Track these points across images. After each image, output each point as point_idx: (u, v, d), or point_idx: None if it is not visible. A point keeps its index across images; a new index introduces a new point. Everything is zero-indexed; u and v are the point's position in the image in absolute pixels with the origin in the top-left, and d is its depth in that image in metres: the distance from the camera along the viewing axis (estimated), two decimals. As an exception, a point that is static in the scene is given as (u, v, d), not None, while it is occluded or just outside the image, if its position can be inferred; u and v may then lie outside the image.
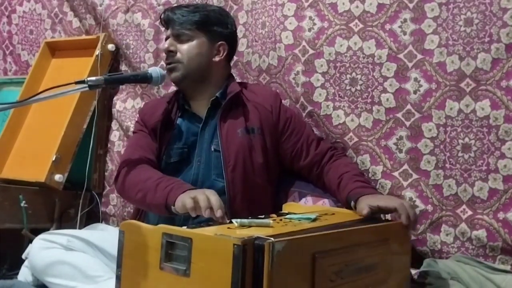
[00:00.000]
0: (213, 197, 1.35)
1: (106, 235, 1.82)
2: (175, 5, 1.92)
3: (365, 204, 1.45)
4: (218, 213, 1.31)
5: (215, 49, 1.73)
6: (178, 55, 1.70)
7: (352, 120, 1.82)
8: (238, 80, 1.97)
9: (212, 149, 1.69)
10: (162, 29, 2.24)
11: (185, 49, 1.70)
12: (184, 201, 1.39)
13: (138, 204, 1.67)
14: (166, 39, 1.75)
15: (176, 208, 1.43)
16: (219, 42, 1.73)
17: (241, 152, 1.66)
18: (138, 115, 1.87)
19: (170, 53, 1.71)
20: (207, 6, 1.79)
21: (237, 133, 1.68)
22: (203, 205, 1.34)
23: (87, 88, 1.54)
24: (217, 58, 1.73)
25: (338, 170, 1.68)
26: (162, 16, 1.78)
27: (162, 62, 2.23)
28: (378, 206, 1.42)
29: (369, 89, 1.79)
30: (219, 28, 1.73)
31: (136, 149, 1.73)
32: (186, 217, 1.47)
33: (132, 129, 2.25)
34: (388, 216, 1.50)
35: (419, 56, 1.72)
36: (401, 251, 1.44)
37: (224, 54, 1.74)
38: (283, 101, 1.86)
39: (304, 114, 1.89)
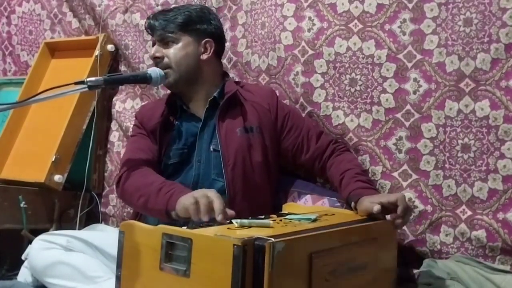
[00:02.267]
0: (216, 201, 1.33)
1: (105, 236, 1.82)
2: (159, 10, 1.92)
3: (368, 202, 1.45)
4: (219, 218, 1.30)
5: (202, 47, 1.73)
6: (166, 60, 1.70)
7: (352, 120, 1.82)
8: (237, 80, 1.98)
9: (212, 149, 1.69)
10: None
11: (171, 52, 1.70)
12: (185, 204, 1.38)
13: (139, 209, 1.66)
14: (153, 45, 1.75)
15: (177, 212, 1.42)
16: (205, 40, 1.73)
17: (240, 151, 1.66)
18: (135, 119, 1.86)
19: (157, 59, 1.71)
20: (188, 6, 1.79)
21: (236, 132, 1.68)
22: (204, 209, 1.32)
23: (86, 89, 1.54)
24: (205, 56, 1.73)
25: (340, 167, 1.68)
26: (145, 25, 1.78)
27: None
28: (381, 202, 1.41)
29: (369, 90, 1.79)
30: (202, 26, 1.73)
31: (136, 152, 1.72)
32: (187, 221, 1.47)
33: (131, 130, 2.25)
34: (389, 217, 1.50)
35: (419, 56, 1.72)
36: (389, 249, 1.45)
37: (212, 50, 1.73)
38: (282, 100, 1.86)
39: (304, 114, 1.89)
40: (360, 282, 1.29)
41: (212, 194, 1.36)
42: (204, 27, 1.73)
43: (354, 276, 1.27)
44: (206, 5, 2.07)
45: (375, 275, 1.35)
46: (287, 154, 1.77)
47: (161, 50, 1.71)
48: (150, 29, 1.75)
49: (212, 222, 1.31)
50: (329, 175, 1.72)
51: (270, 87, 1.91)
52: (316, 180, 1.87)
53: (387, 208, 1.43)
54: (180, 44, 1.70)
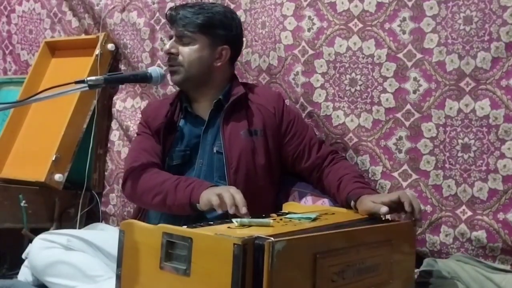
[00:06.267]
0: (237, 195, 1.39)
1: (106, 235, 1.82)
2: (181, 3, 1.90)
3: (370, 202, 1.45)
4: (243, 210, 1.35)
5: (217, 53, 1.69)
6: (180, 58, 1.68)
7: (352, 120, 1.82)
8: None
9: (215, 151, 1.68)
10: (157, 27, 2.24)
11: (186, 52, 1.67)
12: (209, 197, 1.42)
13: (155, 208, 1.65)
14: (170, 38, 1.73)
15: (201, 204, 1.46)
16: (222, 46, 1.69)
17: (243, 154, 1.66)
18: (141, 117, 1.86)
19: (172, 55, 1.69)
20: (212, 7, 1.73)
21: (240, 135, 1.67)
22: (229, 202, 1.37)
23: (87, 88, 1.54)
24: (218, 63, 1.70)
25: (338, 173, 1.68)
26: (167, 14, 1.74)
27: (159, 61, 2.23)
28: (383, 202, 1.41)
29: (369, 89, 1.79)
30: (222, 31, 1.69)
31: (141, 153, 1.72)
32: (196, 216, 1.50)
33: (132, 129, 2.25)
34: (388, 217, 1.50)
35: (419, 55, 1.71)
36: (405, 252, 1.43)
37: (227, 58, 1.71)
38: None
39: (304, 115, 1.89)
40: (371, 283, 1.28)
41: (233, 190, 1.42)
42: (224, 33, 1.69)
43: (365, 277, 1.26)
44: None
45: (389, 277, 1.34)
46: (287, 159, 1.76)
47: (177, 46, 1.68)
48: (171, 21, 1.71)
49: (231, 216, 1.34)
50: (326, 182, 1.70)
51: (278, 91, 1.90)
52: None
53: (390, 207, 1.42)
54: (196, 46, 1.67)
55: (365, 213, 1.46)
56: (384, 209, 1.39)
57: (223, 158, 1.66)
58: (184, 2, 2.08)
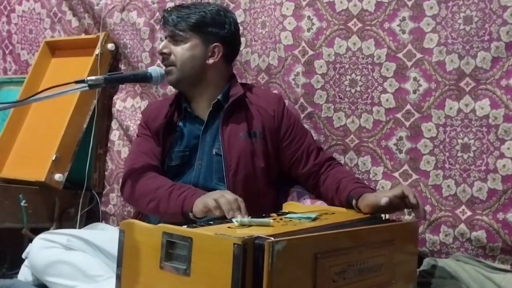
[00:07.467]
0: (240, 200, 1.39)
1: (106, 235, 1.82)
2: (175, 5, 1.90)
3: (373, 196, 1.45)
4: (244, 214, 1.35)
5: (210, 51, 1.69)
6: (172, 57, 1.68)
7: (353, 121, 1.82)
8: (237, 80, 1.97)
9: (214, 153, 1.68)
10: (157, 27, 2.24)
11: (178, 51, 1.68)
12: (206, 202, 1.41)
13: (150, 213, 1.66)
14: (165, 38, 1.74)
15: (195, 212, 1.44)
16: (214, 44, 1.69)
17: (243, 157, 1.65)
18: (141, 118, 1.86)
19: (164, 55, 1.70)
20: (205, 6, 1.74)
21: (239, 137, 1.67)
22: (226, 208, 1.37)
23: (87, 88, 1.54)
24: (211, 61, 1.69)
25: (336, 176, 1.68)
26: (161, 16, 1.76)
27: (159, 61, 2.23)
28: (386, 196, 1.40)
29: (369, 90, 1.79)
30: (214, 29, 1.69)
31: (140, 155, 1.72)
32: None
33: (132, 129, 2.25)
34: (387, 216, 1.50)
35: (418, 55, 1.72)
36: (408, 253, 1.43)
37: (219, 56, 1.70)
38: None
39: (303, 116, 1.89)
40: (373, 284, 1.27)
41: (230, 195, 1.41)
42: (216, 30, 1.69)
43: (367, 277, 1.25)
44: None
45: (392, 277, 1.33)
46: (285, 163, 1.75)
47: (169, 46, 1.69)
48: (164, 22, 1.72)
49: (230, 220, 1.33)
50: (323, 188, 1.70)
51: (279, 94, 1.90)
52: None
53: (393, 202, 1.41)
54: (188, 44, 1.68)
55: (367, 208, 1.46)
56: (385, 199, 1.39)
57: (222, 160, 1.65)
58: (182, 2, 2.09)
